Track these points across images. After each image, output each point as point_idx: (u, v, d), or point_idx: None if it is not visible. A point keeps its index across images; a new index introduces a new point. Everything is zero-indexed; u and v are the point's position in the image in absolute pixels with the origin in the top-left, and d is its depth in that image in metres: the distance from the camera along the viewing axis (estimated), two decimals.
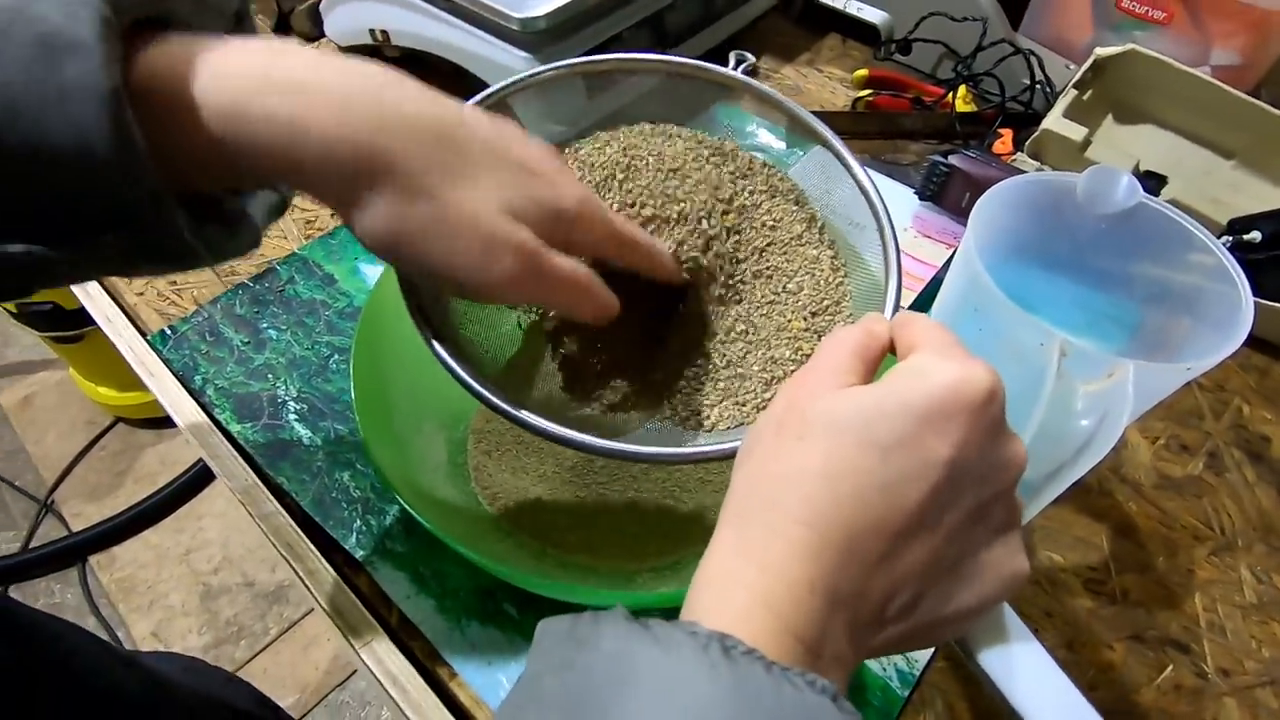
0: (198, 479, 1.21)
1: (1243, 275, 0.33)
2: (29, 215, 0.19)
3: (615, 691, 0.15)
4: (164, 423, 1.27)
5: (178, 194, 0.19)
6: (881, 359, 0.22)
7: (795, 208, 0.35)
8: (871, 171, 0.57)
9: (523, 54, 0.49)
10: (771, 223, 0.33)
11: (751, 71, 0.57)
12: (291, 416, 0.41)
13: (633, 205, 0.29)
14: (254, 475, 0.39)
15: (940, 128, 0.59)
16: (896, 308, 0.29)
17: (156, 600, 1.14)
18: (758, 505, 0.19)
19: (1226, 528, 0.40)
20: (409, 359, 0.37)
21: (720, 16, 0.61)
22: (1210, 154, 0.53)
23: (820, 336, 0.31)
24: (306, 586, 0.35)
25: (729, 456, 0.23)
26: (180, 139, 0.19)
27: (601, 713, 0.15)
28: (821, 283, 0.33)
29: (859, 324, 0.23)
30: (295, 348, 0.44)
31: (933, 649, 0.34)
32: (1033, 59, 0.57)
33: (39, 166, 0.18)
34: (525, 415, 0.25)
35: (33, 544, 1.18)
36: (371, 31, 0.59)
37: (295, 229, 0.50)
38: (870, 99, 0.60)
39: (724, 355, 0.30)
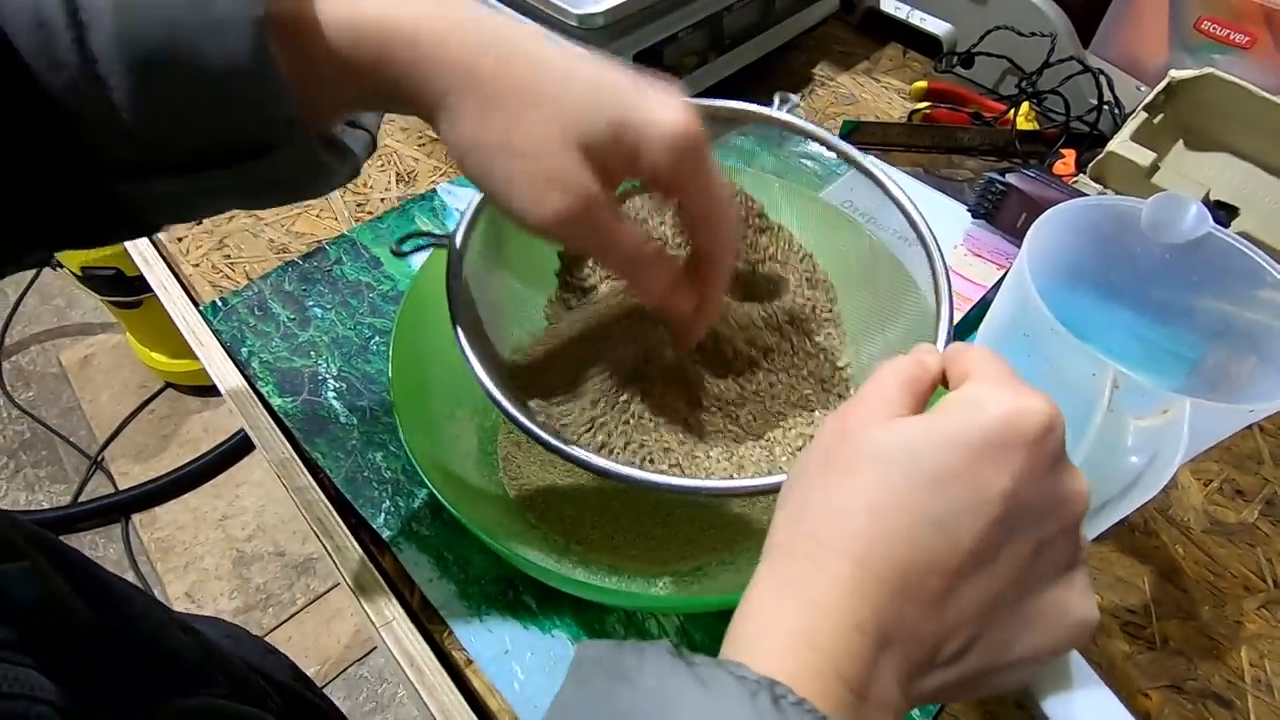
0: (238, 448, 1.25)
1: None
2: (186, 143, 0.21)
3: None
4: (210, 391, 1.31)
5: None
6: (932, 391, 0.21)
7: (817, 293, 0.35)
8: (922, 185, 0.55)
9: None
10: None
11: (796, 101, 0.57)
12: (330, 394, 0.42)
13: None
14: (291, 449, 0.40)
15: (999, 145, 0.57)
16: (948, 339, 0.28)
17: (192, 562, 1.18)
18: (803, 539, 0.18)
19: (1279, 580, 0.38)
20: (448, 346, 0.38)
21: (780, 20, 0.60)
22: None
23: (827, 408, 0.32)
24: (334, 562, 0.35)
25: (773, 490, 0.23)
26: (309, 55, 0.22)
27: None
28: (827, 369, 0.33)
29: (910, 354, 0.22)
30: (339, 327, 0.45)
31: None
32: (1102, 78, 0.55)
33: (198, 92, 0.20)
34: (539, 430, 0.25)
35: (81, 498, 1.23)
36: None
37: (346, 210, 0.52)
38: (928, 112, 0.59)
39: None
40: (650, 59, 0.52)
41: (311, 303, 0.46)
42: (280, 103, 0.21)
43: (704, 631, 0.35)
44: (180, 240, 0.49)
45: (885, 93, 0.63)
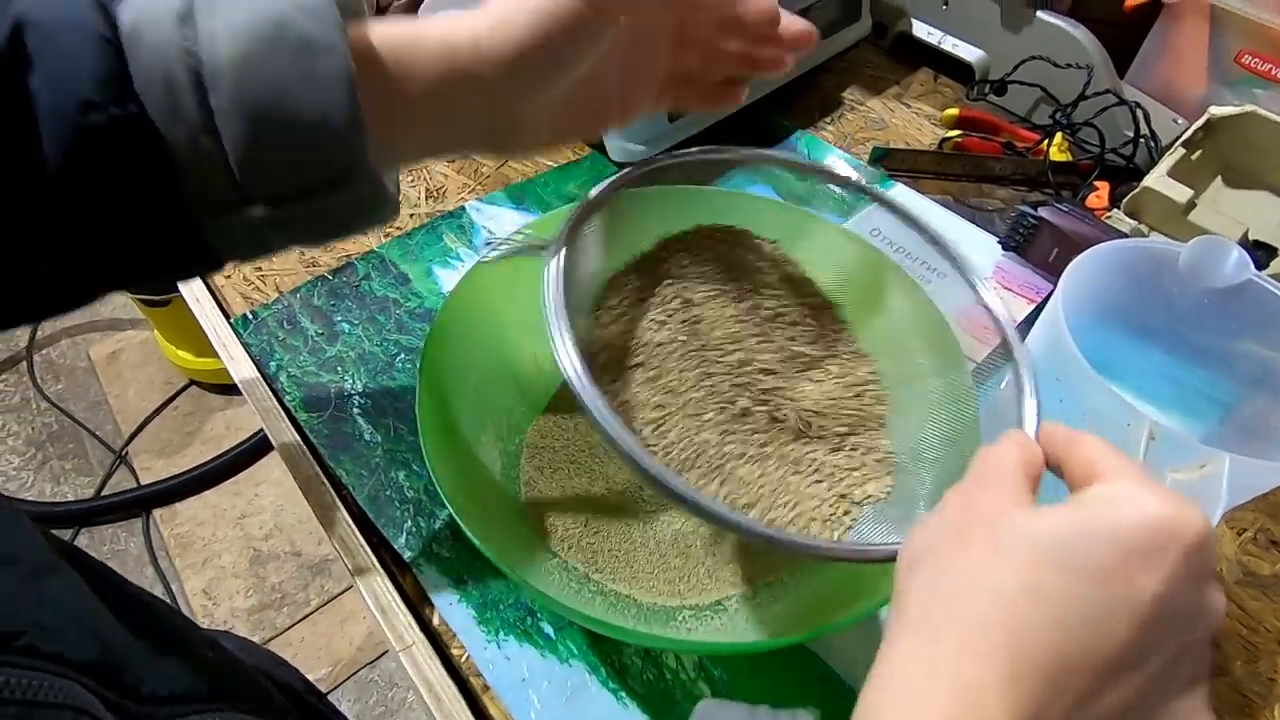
0: (258, 447, 1.26)
1: None
2: (273, 180, 0.24)
3: None
4: (233, 389, 1.32)
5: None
6: (1040, 477, 0.21)
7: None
8: (952, 215, 0.55)
9: None
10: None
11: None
12: (356, 411, 0.43)
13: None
14: (316, 465, 0.40)
15: (1031, 175, 0.57)
16: (1038, 423, 0.27)
17: (210, 559, 1.20)
18: (945, 616, 0.18)
19: None
20: (476, 368, 0.38)
21: None
22: None
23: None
24: (355, 582, 0.36)
25: (889, 559, 0.23)
26: (395, 105, 0.26)
27: None
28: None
29: (1010, 441, 0.22)
30: (365, 343, 0.46)
31: None
32: (1139, 111, 0.54)
33: (294, 137, 0.23)
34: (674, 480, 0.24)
35: (104, 492, 1.26)
36: None
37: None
38: (959, 139, 0.58)
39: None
40: None
41: (340, 318, 0.47)
42: (362, 148, 0.24)
43: (723, 667, 0.34)
44: None
45: (916, 119, 0.63)
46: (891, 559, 0.21)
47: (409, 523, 0.38)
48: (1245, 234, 0.48)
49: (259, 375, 0.43)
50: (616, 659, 0.35)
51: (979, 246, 0.52)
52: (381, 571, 0.36)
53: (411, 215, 0.53)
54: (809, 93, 0.64)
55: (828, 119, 0.62)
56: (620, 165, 0.54)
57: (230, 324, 0.46)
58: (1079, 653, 0.17)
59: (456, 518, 0.30)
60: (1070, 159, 0.57)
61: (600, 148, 0.57)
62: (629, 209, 0.33)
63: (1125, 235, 0.49)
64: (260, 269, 0.49)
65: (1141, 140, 0.55)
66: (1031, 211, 0.49)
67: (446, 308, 0.37)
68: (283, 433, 0.41)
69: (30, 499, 1.25)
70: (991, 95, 0.62)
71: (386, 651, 1.09)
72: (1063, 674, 0.17)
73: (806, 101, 0.63)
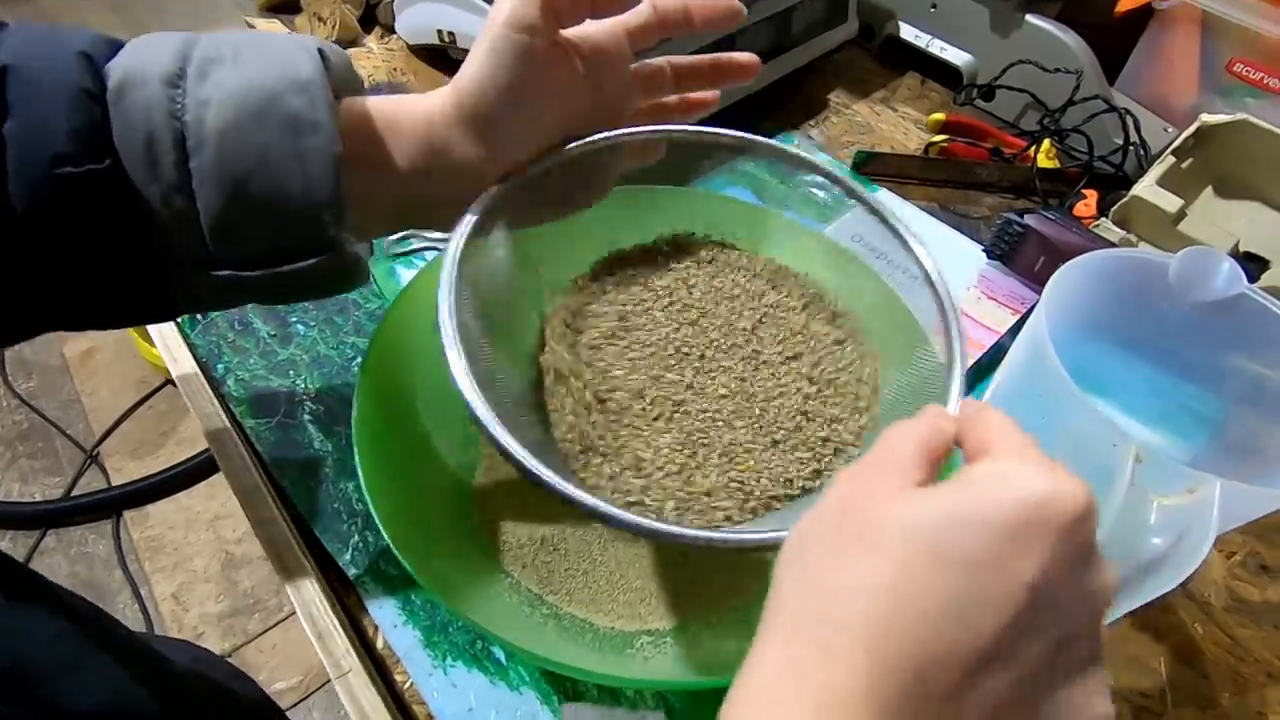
0: None
1: None
2: (245, 245, 0.25)
3: None
4: None
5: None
6: (947, 456, 0.20)
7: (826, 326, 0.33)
8: (936, 222, 0.53)
9: None
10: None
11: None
12: (306, 417, 0.40)
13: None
14: (259, 475, 0.38)
15: (1018, 182, 0.55)
16: (960, 397, 0.26)
17: (181, 563, 1.17)
18: (813, 619, 0.17)
19: None
20: (429, 374, 0.36)
21: (796, 45, 0.58)
22: None
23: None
24: (293, 600, 0.33)
25: (770, 546, 0.21)
26: (378, 180, 0.27)
27: None
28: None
29: (922, 417, 0.21)
30: (321, 345, 0.44)
31: None
32: (1128, 118, 0.53)
33: (273, 208, 0.24)
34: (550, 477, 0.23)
35: (74, 492, 1.22)
36: (439, 32, 0.59)
37: None
38: (945, 145, 0.57)
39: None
40: None
41: (295, 319, 0.45)
42: (340, 224, 0.25)
43: (680, 695, 0.32)
44: None
45: (902, 123, 0.61)
46: (772, 547, 0.20)
47: (355, 538, 0.36)
48: (1236, 245, 0.47)
49: (198, 370, 0.41)
50: (570, 686, 0.32)
51: (964, 255, 0.50)
52: (320, 592, 0.34)
53: None
54: (795, 95, 0.62)
55: (813, 122, 0.61)
56: None
57: (177, 324, 0.43)
58: (947, 647, 0.16)
59: (387, 538, 0.28)
60: (1058, 166, 0.55)
61: None
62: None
63: (1113, 245, 0.47)
64: None
65: (1131, 148, 0.53)
66: (1017, 219, 0.47)
67: (396, 308, 0.35)
68: (226, 444, 0.39)
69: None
70: (979, 100, 0.61)
71: None
72: (930, 672, 0.16)
73: (792, 104, 0.61)
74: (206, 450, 1.23)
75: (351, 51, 0.65)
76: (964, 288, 0.48)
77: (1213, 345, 0.36)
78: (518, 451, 0.23)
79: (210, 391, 0.41)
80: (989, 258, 0.49)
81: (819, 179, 0.34)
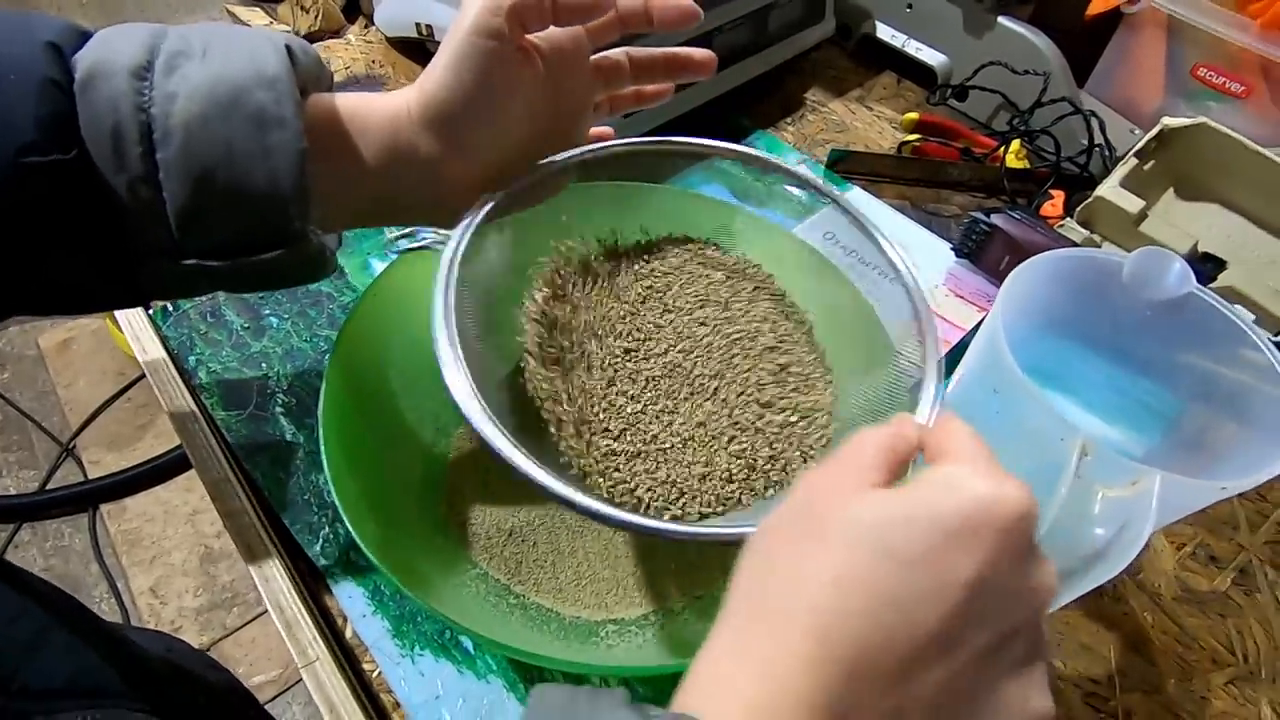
0: None
1: None
2: (215, 238, 0.25)
3: None
4: None
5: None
6: (909, 460, 0.21)
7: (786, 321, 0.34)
8: (907, 220, 0.54)
9: None
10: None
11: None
12: (278, 409, 0.41)
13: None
14: (228, 467, 0.38)
15: (988, 181, 0.56)
16: (934, 409, 0.27)
17: (159, 556, 1.16)
18: (761, 607, 0.18)
19: (1250, 655, 0.36)
20: (400, 366, 0.36)
21: (773, 43, 0.59)
22: (1277, 242, 0.49)
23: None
24: (260, 590, 0.34)
25: (734, 542, 0.22)
26: (341, 173, 0.27)
27: None
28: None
29: (890, 423, 0.22)
30: (294, 338, 0.44)
31: None
32: (1094, 120, 0.54)
33: (238, 201, 0.24)
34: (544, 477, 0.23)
35: (50, 485, 1.21)
36: (417, 25, 0.58)
37: None
38: (918, 144, 0.58)
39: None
40: None
41: (268, 311, 0.45)
42: (304, 217, 0.25)
43: (647, 684, 0.33)
44: None
45: (877, 122, 0.62)
46: (735, 541, 0.21)
47: (326, 529, 0.36)
48: (1195, 246, 0.48)
49: (167, 359, 0.41)
50: (537, 673, 0.33)
51: (933, 252, 0.51)
52: (289, 581, 0.34)
53: None
54: (771, 93, 0.63)
55: (789, 119, 0.61)
56: None
57: (148, 315, 0.43)
58: (885, 639, 0.17)
59: (349, 527, 0.28)
60: (1028, 166, 0.56)
61: None
62: (562, 205, 0.32)
63: (1076, 244, 0.48)
64: None
65: (1096, 149, 0.54)
66: (984, 218, 0.48)
67: (365, 300, 0.35)
68: (195, 435, 0.39)
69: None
70: (953, 100, 0.62)
71: None
72: (869, 659, 0.17)
73: (769, 102, 0.62)
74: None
75: (330, 43, 0.65)
76: (932, 285, 0.49)
77: (1166, 343, 0.37)
78: (516, 458, 0.23)
79: (180, 382, 0.41)
80: (957, 256, 0.50)
81: (800, 170, 0.35)
